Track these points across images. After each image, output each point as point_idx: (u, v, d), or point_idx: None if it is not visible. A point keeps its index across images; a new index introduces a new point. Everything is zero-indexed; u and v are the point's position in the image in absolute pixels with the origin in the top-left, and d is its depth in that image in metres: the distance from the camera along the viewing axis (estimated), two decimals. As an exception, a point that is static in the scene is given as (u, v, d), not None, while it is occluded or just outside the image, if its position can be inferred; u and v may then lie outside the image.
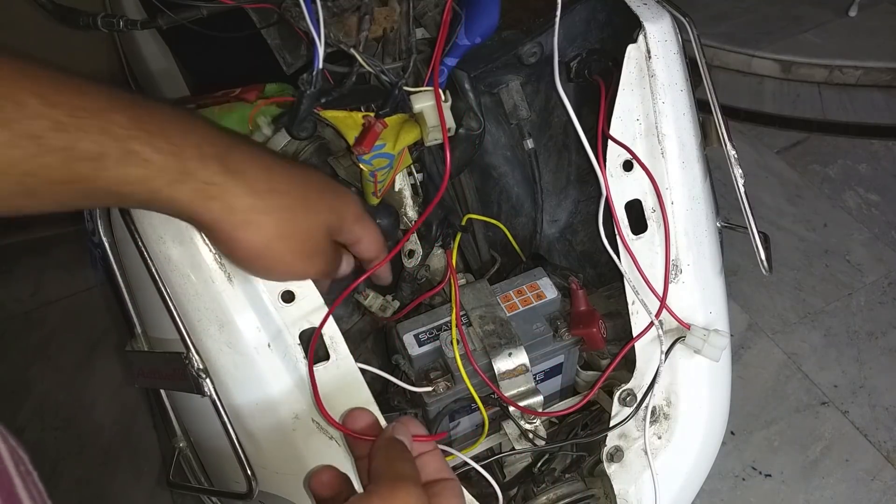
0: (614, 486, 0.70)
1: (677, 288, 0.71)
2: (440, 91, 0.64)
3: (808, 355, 1.66)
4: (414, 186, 0.74)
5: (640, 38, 0.68)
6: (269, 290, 0.60)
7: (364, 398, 0.63)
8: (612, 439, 0.70)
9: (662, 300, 0.68)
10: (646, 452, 0.71)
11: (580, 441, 0.71)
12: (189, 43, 0.80)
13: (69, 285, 1.80)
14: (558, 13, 0.67)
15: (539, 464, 0.72)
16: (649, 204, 0.70)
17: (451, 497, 0.42)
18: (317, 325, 0.62)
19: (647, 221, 0.70)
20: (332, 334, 0.62)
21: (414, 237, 0.73)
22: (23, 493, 0.28)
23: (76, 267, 1.80)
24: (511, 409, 0.66)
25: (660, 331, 0.68)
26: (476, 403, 0.66)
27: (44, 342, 1.71)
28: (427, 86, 0.65)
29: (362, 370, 0.63)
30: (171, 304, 0.59)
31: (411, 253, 0.73)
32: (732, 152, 0.73)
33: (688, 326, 0.69)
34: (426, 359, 0.68)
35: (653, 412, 0.71)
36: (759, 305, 1.76)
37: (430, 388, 0.66)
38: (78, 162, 0.36)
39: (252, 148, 0.45)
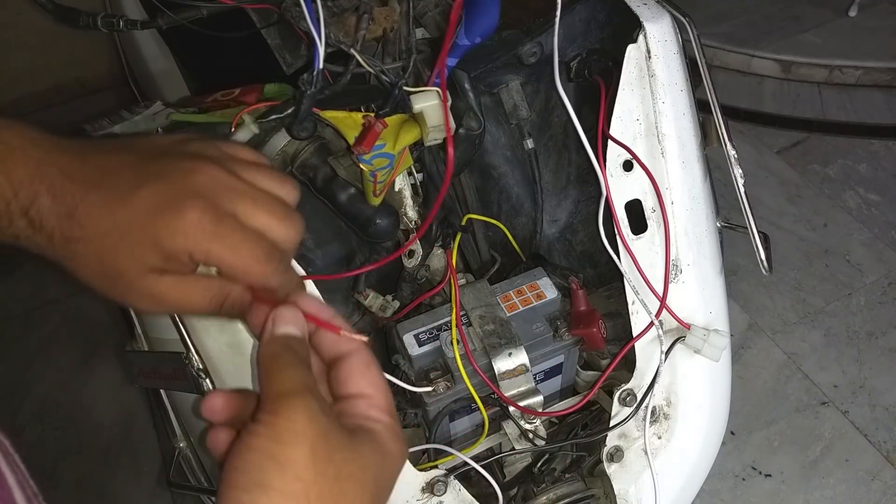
0: (614, 486, 0.70)
1: (677, 288, 0.70)
2: (440, 91, 0.64)
3: (808, 355, 1.66)
4: (414, 186, 0.74)
5: (640, 38, 0.68)
6: (269, 290, 0.60)
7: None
8: (612, 439, 0.70)
9: (662, 300, 0.68)
10: (646, 452, 0.71)
11: (580, 441, 0.71)
12: (189, 43, 0.80)
13: (69, 285, 1.80)
14: (558, 13, 0.67)
15: (539, 464, 0.72)
16: (649, 204, 0.70)
17: (357, 373, 0.37)
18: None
19: (647, 221, 0.70)
20: (332, 334, 0.62)
21: (414, 237, 0.73)
22: (5, 468, 0.28)
23: (76, 267, 1.80)
24: (511, 409, 0.66)
25: (660, 331, 0.68)
26: (476, 403, 0.66)
27: (44, 342, 1.71)
28: (431, 86, 0.65)
29: (362, 370, 0.63)
30: (171, 304, 0.59)
31: (411, 253, 0.73)
32: (732, 152, 0.73)
33: (688, 326, 0.69)
34: (426, 359, 0.68)
35: (653, 412, 0.71)
36: (759, 305, 1.76)
37: (430, 388, 0.66)
38: None
39: (57, 188, 0.41)
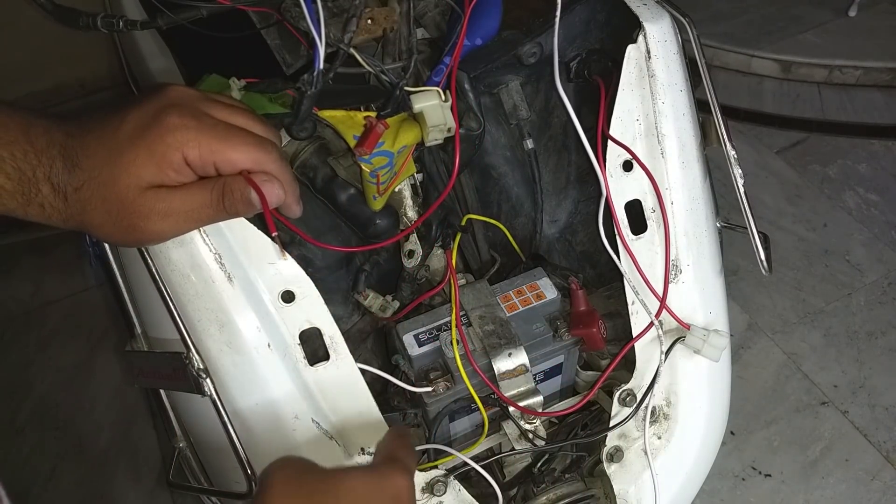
0: (614, 486, 0.70)
1: (677, 288, 0.71)
2: (441, 91, 0.64)
3: (808, 355, 1.66)
4: (413, 187, 0.74)
5: (640, 38, 0.68)
6: (269, 290, 0.60)
7: (364, 398, 0.63)
8: (611, 439, 0.70)
9: (662, 300, 0.68)
10: (646, 452, 0.71)
11: (580, 441, 0.71)
12: (189, 43, 0.80)
13: (69, 285, 1.80)
14: (558, 13, 0.67)
15: (539, 464, 0.72)
16: (649, 204, 0.70)
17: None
18: (317, 325, 0.62)
19: (647, 221, 0.70)
20: (332, 334, 0.62)
21: (414, 237, 0.73)
22: None
23: (76, 267, 1.81)
24: (511, 409, 0.66)
25: (660, 331, 0.68)
26: (476, 404, 0.66)
27: (44, 342, 1.71)
28: (440, 87, 0.65)
29: (362, 370, 0.63)
30: (171, 304, 0.59)
31: (411, 253, 0.73)
32: (732, 152, 0.73)
33: (688, 326, 0.69)
34: (426, 359, 0.68)
35: (653, 412, 0.71)
36: (759, 305, 1.76)
37: (429, 389, 0.66)
38: None
39: (65, 149, 0.46)
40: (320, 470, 0.45)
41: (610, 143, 0.68)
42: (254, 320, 0.60)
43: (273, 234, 0.53)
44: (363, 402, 0.63)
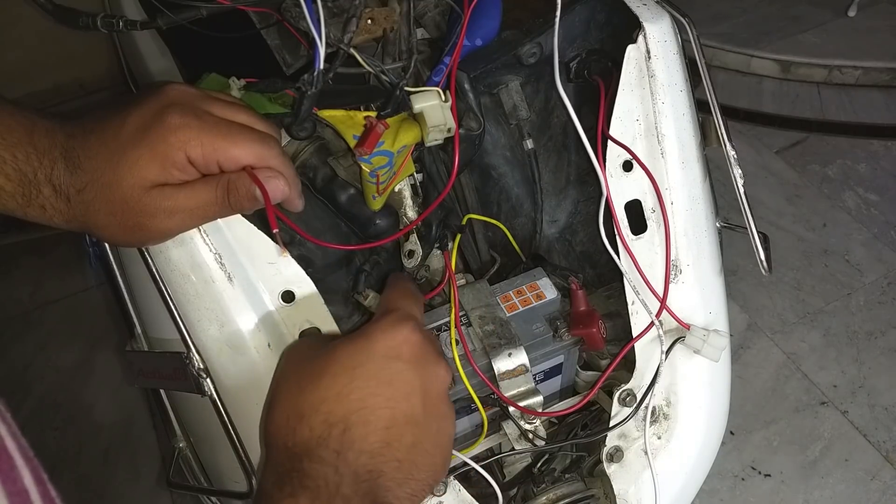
0: (614, 486, 0.70)
1: (677, 288, 0.71)
2: (441, 91, 0.64)
3: (808, 355, 1.66)
4: (413, 187, 0.74)
5: (640, 38, 0.68)
6: (269, 290, 0.60)
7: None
8: (611, 439, 0.70)
9: (662, 300, 0.68)
10: (646, 452, 0.71)
11: (580, 441, 0.71)
12: (189, 43, 0.80)
13: (69, 285, 1.80)
14: (558, 13, 0.67)
15: (539, 464, 0.72)
16: (649, 204, 0.70)
17: None
18: (317, 325, 0.61)
19: (647, 221, 0.70)
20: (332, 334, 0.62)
21: (414, 237, 0.73)
22: (5, 433, 0.29)
23: (76, 267, 1.81)
24: (511, 409, 0.66)
25: (660, 331, 0.68)
26: (476, 404, 0.66)
27: (44, 342, 1.72)
28: (440, 87, 0.65)
29: (362, 370, 0.63)
30: (171, 304, 0.59)
31: (411, 253, 0.73)
32: (732, 152, 0.73)
33: (687, 327, 0.69)
34: (426, 359, 0.68)
35: (653, 412, 0.71)
36: (759, 305, 1.76)
37: (429, 389, 0.65)
38: None
39: (67, 150, 0.46)
40: (320, 349, 0.48)
41: (610, 143, 0.68)
42: (254, 320, 0.60)
43: (275, 231, 0.53)
44: (363, 402, 0.63)
